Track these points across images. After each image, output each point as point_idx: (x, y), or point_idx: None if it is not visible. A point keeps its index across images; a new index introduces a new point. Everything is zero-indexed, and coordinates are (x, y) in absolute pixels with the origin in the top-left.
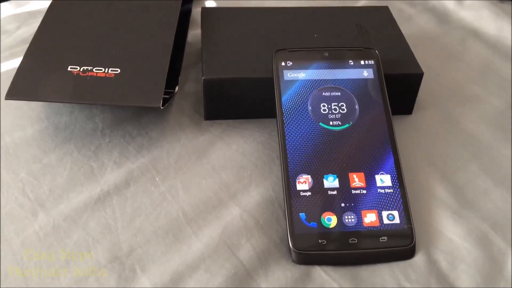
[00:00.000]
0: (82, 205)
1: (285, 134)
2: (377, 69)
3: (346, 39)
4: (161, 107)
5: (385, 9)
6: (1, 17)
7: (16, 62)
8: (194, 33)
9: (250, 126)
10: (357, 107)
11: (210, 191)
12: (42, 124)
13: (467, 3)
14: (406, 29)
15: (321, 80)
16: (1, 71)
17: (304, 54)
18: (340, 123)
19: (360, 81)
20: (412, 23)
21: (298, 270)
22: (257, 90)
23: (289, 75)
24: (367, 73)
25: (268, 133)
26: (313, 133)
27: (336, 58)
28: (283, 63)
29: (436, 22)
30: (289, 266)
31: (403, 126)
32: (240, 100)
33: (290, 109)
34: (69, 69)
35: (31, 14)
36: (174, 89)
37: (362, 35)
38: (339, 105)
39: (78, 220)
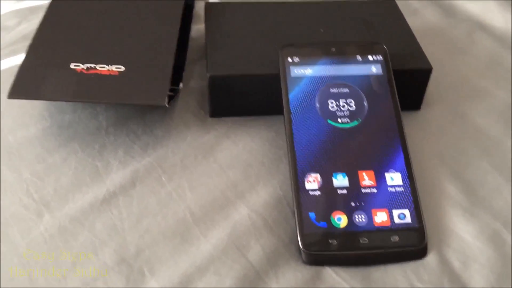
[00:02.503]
0: (88, 206)
1: (293, 132)
2: (386, 65)
3: (353, 34)
4: (167, 105)
5: (392, 3)
6: (1, 13)
7: (17, 59)
8: (197, 27)
9: (256, 124)
10: (365, 103)
11: (217, 190)
12: (45, 123)
13: None
14: (411, 23)
15: (329, 76)
16: (2, 68)
17: (311, 50)
18: (348, 120)
19: (368, 77)
20: (417, 16)
21: (309, 271)
22: (263, 87)
23: (296, 71)
24: (375, 69)
25: (275, 131)
26: (322, 131)
27: (344, 54)
28: (289, 59)
29: (442, 15)
30: (299, 267)
31: (411, 122)
32: (246, 97)
33: (298, 106)
34: (72, 66)
35: (32, 10)
36: (178, 85)
37: (369, 29)
38: (348, 101)
39: (84, 221)
